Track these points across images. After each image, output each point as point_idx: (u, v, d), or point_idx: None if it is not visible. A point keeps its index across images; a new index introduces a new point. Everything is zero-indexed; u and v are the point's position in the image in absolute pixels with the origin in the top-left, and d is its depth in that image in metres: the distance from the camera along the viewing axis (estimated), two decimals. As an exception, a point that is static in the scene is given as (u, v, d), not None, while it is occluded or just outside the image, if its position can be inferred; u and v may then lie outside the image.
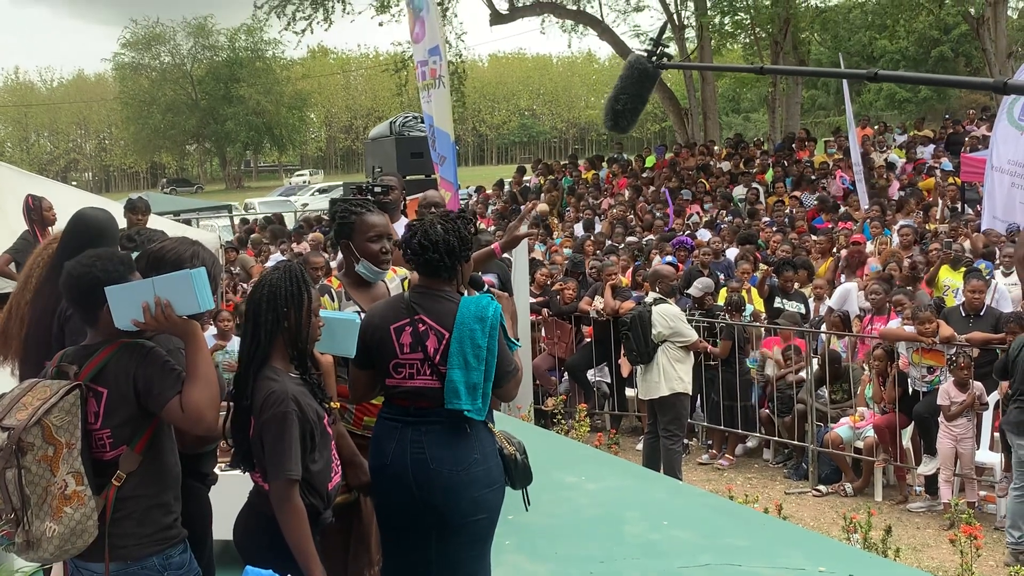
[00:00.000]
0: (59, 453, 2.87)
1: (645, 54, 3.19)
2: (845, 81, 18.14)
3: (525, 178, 24.02)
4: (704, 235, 14.57)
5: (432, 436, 3.74)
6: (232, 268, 12.75)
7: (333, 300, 4.16)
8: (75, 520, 2.89)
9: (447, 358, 3.70)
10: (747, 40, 30.68)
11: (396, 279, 4.40)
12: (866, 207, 14.80)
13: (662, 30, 3.31)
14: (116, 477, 2.99)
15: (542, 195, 21.67)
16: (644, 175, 21.47)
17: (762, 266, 11.96)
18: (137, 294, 3.01)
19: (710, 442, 10.50)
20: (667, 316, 8.74)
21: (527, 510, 4.19)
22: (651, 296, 9.02)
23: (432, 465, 3.71)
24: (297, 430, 3.13)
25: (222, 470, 3.76)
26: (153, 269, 3.24)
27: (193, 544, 3.26)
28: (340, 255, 4.37)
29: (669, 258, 12.76)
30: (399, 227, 6.50)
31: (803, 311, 10.77)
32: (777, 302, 10.87)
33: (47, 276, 3.99)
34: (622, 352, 10.23)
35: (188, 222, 19.50)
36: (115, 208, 9.79)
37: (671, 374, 8.72)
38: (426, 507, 3.74)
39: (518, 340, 4.09)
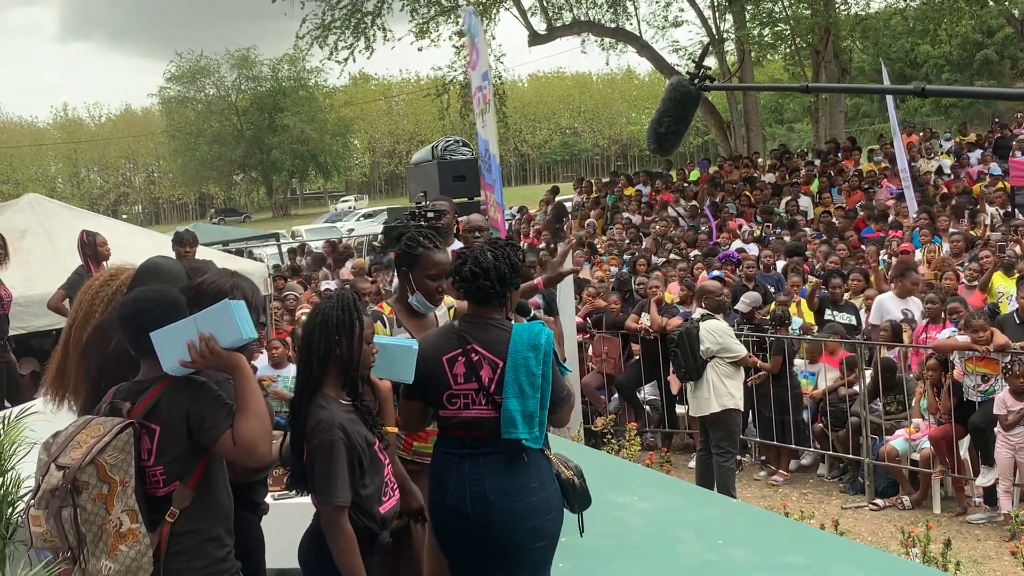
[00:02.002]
0: (114, 491, 2.91)
1: (687, 76, 3.19)
2: (886, 79, 17.91)
3: (563, 196, 23.98)
4: (752, 249, 14.46)
5: (489, 467, 3.75)
6: (282, 296, 12.86)
7: (385, 327, 4.19)
8: (130, 558, 2.92)
9: (502, 387, 3.71)
10: (788, 51, 30.51)
11: (443, 308, 4.42)
12: (914, 215, 14.63)
13: (704, 52, 3.31)
14: (170, 513, 3.03)
15: (579, 213, 21.67)
16: (687, 189, 21.39)
17: (811, 278, 11.85)
18: (181, 334, 3.04)
19: (763, 458, 10.40)
20: (715, 332, 8.69)
21: (581, 535, 4.18)
22: (698, 312, 8.97)
23: (491, 497, 3.72)
24: (344, 457, 3.19)
25: (274, 499, 3.80)
26: (195, 304, 3.28)
27: (248, 575, 3.30)
28: (397, 280, 4.40)
29: (716, 273, 12.69)
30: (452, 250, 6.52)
31: (853, 322, 10.63)
32: (827, 314, 10.74)
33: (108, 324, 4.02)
34: (671, 369, 10.19)
35: (240, 252, 19.71)
36: (166, 241, 9.97)
37: (721, 390, 8.66)
38: (486, 538, 3.75)
39: (567, 362, 4.11)
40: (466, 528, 3.75)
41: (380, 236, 16.12)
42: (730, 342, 8.75)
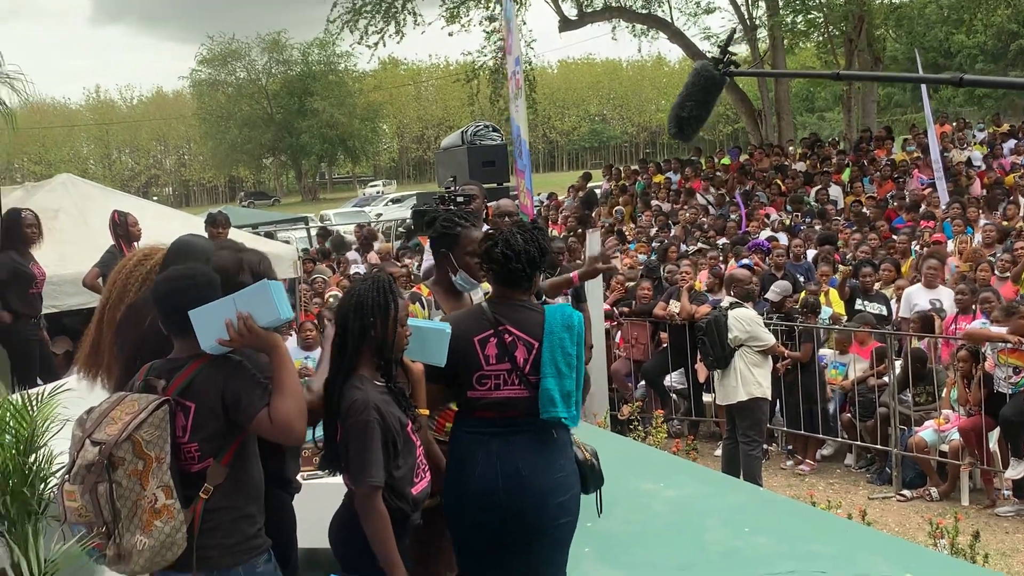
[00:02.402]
0: (149, 467, 2.94)
1: (712, 61, 3.17)
2: (920, 69, 17.71)
3: (594, 183, 23.96)
4: (782, 238, 14.37)
5: (520, 446, 3.78)
6: (311, 279, 12.91)
7: (424, 308, 4.21)
8: (165, 533, 2.95)
9: (538, 368, 3.75)
10: (820, 39, 30.23)
11: (480, 291, 4.43)
12: (945, 205, 14.50)
13: (730, 37, 3.29)
14: (204, 490, 3.06)
15: (608, 200, 21.63)
16: (717, 177, 21.29)
17: (841, 267, 11.78)
18: (219, 313, 3.06)
19: (790, 447, 10.36)
20: (743, 320, 8.65)
21: (599, 515, 4.21)
22: (727, 300, 8.94)
23: (524, 473, 3.75)
24: (379, 438, 3.20)
25: (304, 479, 3.82)
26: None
27: (279, 553, 3.32)
28: (425, 262, 4.42)
29: (745, 261, 12.63)
30: (480, 237, 6.53)
31: (884, 312, 10.55)
32: (858, 303, 10.67)
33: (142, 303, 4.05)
34: (698, 357, 10.17)
35: (270, 235, 19.78)
36: (197, 223, 10.02)
37: (749, 379, 8.63)
38: (513, 517, 3.75)
39: (593, 349, 4.15)
40: (494, 507, 3.75)
41: (409, 220, 16.16)
42: (759, 330, 8.72)
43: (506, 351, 3.77)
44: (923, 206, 15.19)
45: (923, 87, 17.44)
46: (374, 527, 3.20)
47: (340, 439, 3.27)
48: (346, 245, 18.05)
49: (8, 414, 4.51)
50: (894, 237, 13.34)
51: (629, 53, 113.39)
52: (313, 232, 24.54)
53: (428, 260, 6.73)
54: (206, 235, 9.03)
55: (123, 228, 8.31)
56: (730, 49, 3.19)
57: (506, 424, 3.79)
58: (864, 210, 15.80)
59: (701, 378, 10.56)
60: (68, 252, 9.05)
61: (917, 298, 10.23)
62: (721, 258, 13.30)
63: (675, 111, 3.19)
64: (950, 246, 12.43)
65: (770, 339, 8.84)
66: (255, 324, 3.06)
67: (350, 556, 3.34)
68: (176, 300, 3.12)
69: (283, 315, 3.11)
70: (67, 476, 2.98)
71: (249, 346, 3.10)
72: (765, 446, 9.38)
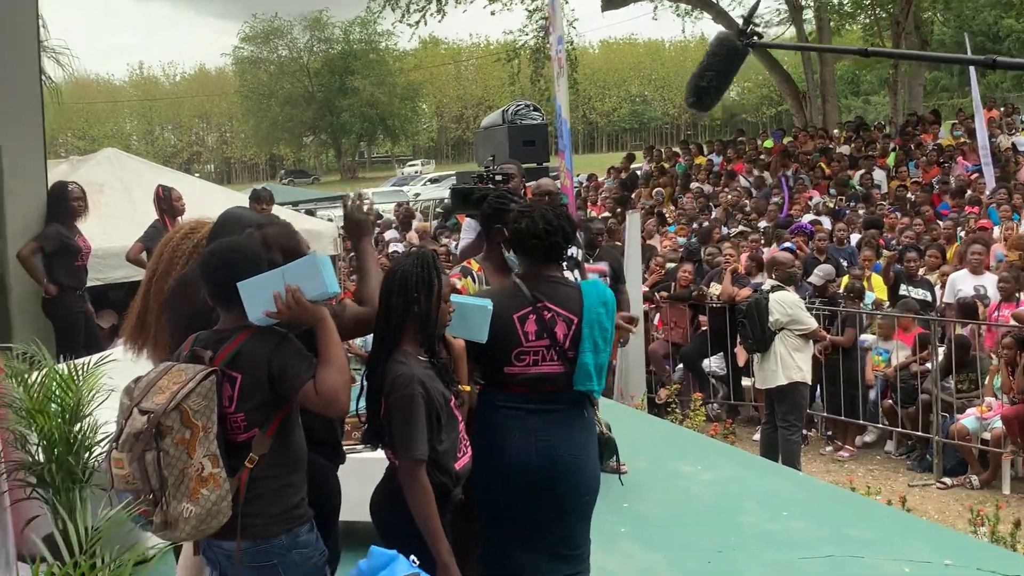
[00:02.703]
0: (196, 436, 2.96)
1: (735, 31, 3.12)
2: (969, 53, 17.44)
3: (636, 165, 23.87)
4: (825, 221, 14.24)
5: (557, 420, 3.81)
6: (349, 256, 12.98)
7: (475, 283, 4.23)
8: (211, 502, 2.98)
9: (578, 343, 3.77)
10: (867, 20, 29.87)
11: None
12: (990, 191, 14.31)
13: (755, 6, 3.23)
14: (249, 459, 3.08)
15: (650, 181, 21.53)
16: (761, 159, 21.13)
17: (886, 253, 11.66)
18: (267, 285, 3.08)
19: (830, 432, 10.30)
20: (785, 303, 8.58)
21: (622, 484, 4.23)
22: (768, 283, 8.87)
23: (559, 450, 3.77)
24: (423, 412, 3.21)
25: (347, 453, 3.84)
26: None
27: (322, 523, 3.35)
28: (462, 241, 4.43)
29: (788, 244, 12.53)
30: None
31: (928, 298, 10.42)
32: (902, 289, 10.54)
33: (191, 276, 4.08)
34: (738, 340, 10.11)
35: (311, 212, 19.89)
36: (239, 199, 10.09)
37: (789, 363, 8.56)
38: (545, 492, 3.77)
39: None
40: (527, 482, 3.77)
41: (447, 199, 16.16)
42: (800, 314, 8.64)
43: (545, 327, 3.78)
44: (968, 192, 14.99)
45: (971, 71, 17.11)
46: (418, 501, 3.22)
47: (384, 414, 3.29)
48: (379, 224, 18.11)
49: (54, 383, 4.59)
50: (939, 223, 13.18)
51: (672, 33, 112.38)
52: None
53: (465, 238, 6.74)
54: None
55: (167, 203, 8.37)
56: (753, 18, 3.14)
57: (542, 400, 3.80)
58: (909, 195, 15.62)
59: (741, 361, 10.49)
60: (112, 226, 9.14)
61: (961, 284, 10.10)
62: (763, 241, 13.21)
63: (694, 80, 3.14)
64: (996, 232, 12.26)
65: (812, 323, 8.76)
66: (303, 297, 3.07)
67: (392, 529, 3.35)
68: (222, 272, 3.15)
69: (330, 289, 3.13)
70: (115, 444, 3.01)
71: (296, 319, 3.11)
72: (805, 431, 9.32)
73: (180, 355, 3.22)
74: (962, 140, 19.15)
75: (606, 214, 16.60)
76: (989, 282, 9.98)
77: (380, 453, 3.45)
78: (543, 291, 3.84)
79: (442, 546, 3.22)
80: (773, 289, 8.70)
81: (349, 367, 3.18)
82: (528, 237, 3.86)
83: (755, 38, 3.10)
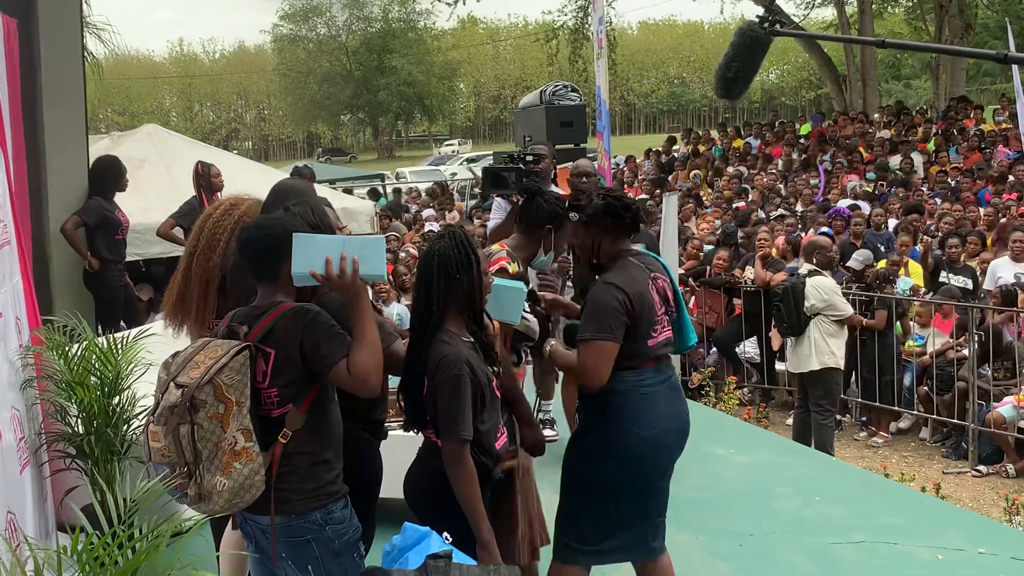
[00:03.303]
0: (229, 411, 3.00)
1: (758, 20, 3.12)
2: (1011, 45, 17.14)
3: (674, 147, 23.77)
4: (864, 206, 14.11)
5: (676, 386, 4.04)
6: (386, 235, 13.04)
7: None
8: (244, 475, 3.02)
9: (678, 302, 4.07)
10: (910, 3, 29.46)
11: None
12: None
13: None
14: (283, 435, 3.11)
15: (687, 164, 21.41)
16: (800, 143, 20.95)
17: (924, 238, 11.54)
18: (324, 248, 3.06)
19: (864, 419, 10.23)
20: (822, 289, 8.53)
21: None
22: (806, 267, 8.81)
23: (686, 416, 4.03)
24: (470, 392, 3.22)
25: (391, 430, 3.86)
26: None
27: (363, 498, 3.39)
28: (491, 220, 4.43)
29: (825, 229, 12.43)
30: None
31: (969, 286, 10.30)
32: (942, 276, 10.42)
33: None
34: (773, 324, 10.07)
35: (349, 191, 19.99)
36: (277, 176, 10.14)
37: (823, 348, 8.52)
38: (674, 458, 4.01)
39: None
40: (672, 454, 3.98)
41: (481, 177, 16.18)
42: (837, 300, 8.59)
43: (659, 294, 3.95)
44: (1011, 178, 14.79)
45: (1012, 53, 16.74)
46: (462, 481, 3.23)
47: (427, 393, 3.28)
48: (401, 207, 18.17)
49: (94, 356, 4.66)
50: (979, 209, 13.02)
51: (711, 15, 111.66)
52: (389, 189, 24.77)
53: (495, 218, 6.76)
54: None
55: (206, 179, 8.42)
56: (775, 6, 3.13)
57: (665, 367, 3.99)
58: (950, 180, 15.44)
59: (776, 346, 10.44)
60: (152, 201, 9.22)
61: (1002, 271, 10.00)
62: (800, 225, 13.12)
63: (721, 72, 3.18)
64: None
65: (848, 309, 8.71)
66: (355, 272, 3.06)
67: (426, 507, 3.37)
68: (259, 248, 3.18)
69: (382, 273, 3.18)
70: (152, 417, 3.05)
71: (338, 288, 3.09)
72: (839, 417, 9.27)
73: (218, 331, 3.25)
74: (1004, 126, 18.87)
75: (643, 196, 16.53)
76: (1031, 271, 9.86)
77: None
78: (646, 261, 4.01)
79: (484, 525, 3.25)
80: (810, 274, 8.65)
81: (381, 348, 3.18)
82: (622, 210, 3.93)
83: (778, 26, 3.11)
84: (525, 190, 4.56)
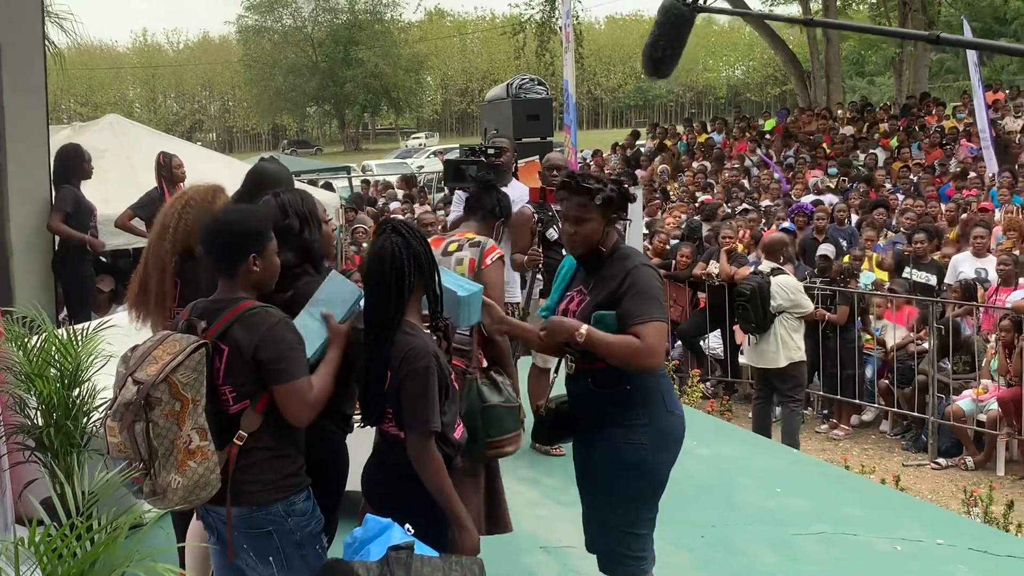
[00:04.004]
0: (185, 409, 2.98)
1: None
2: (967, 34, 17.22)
3: (639, 142, 23.84)
4: (827, 200, 14.22)
5: None
6: (352, 228, 12.98)
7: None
8: (199, 474, 3.00)
9: None
10: (874, 0, 29.68)
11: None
12: (992, 174, 14.27)
13: None
14: (237, 436, 3.10)
15: (655, 159, 21.49)
16: (764, 139, 21.09)
17: (889, 233, 11.65)
18: (307, 326, 3.27)
19: (826, 411, 10.33)
20: (787, 288, 8.61)
21: None
22: (767, 266, 8.87)
23: None
24: (436, 384, 3.18)
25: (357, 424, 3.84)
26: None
27: (330, 491, 3.38)
28: (452, 213, 4.44)
29: (786, 224, 12.52)
30: (509, 190, 6.54)
31: (932, 281, 10.38)
32: (906, 271, 10.50)
33: None
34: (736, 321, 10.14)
35: (315, 183, 19.87)
36: (241, 168, 10.07)
37: (789, 344, 8.62)
38: None
39: None
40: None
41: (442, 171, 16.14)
42: (800, 298, 8.70)
43: None
44: (972, 173, 14.98)
45: (971, 54, 16.88)
46: (431, 471, 3.18)
47: (391, 386, 3.22)
48: (364, 200, 18.10)
49: (54, 348, 4.61)
50: (940, 204, 13.17)
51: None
52: (356, 182, 24.66)
53: (455, 211, 6.77)
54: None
55: (167, 170, 8.35)
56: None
57: None
58: (912, 176, 15.60)
59: (739, 340, 10.50)
60: (113, 192, 9.12)
61: (963, 266, 10.12)
62: (764, 220, 13.22)
63: (648, 51, 3.14)
64: (997, 215, 12.25)
65: (810, 305, 8.87)
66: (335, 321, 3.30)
67: (385, 501, 3.31)
68: (223, 240, 3.16)
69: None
70: (109, 412, 3.03)
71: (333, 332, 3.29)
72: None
73: (178, 324, 3.23)
74: (966, 122, 19.09)
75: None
76: (991, 265, 9.98)
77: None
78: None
79: (459, 508, 3.20)
80: (774, 272, 8.72)
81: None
82: (629, 200, 3.84)
83: (700, 1, 3.10)
84: (480, 182, 4.56)
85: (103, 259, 9.47)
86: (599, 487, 3.82)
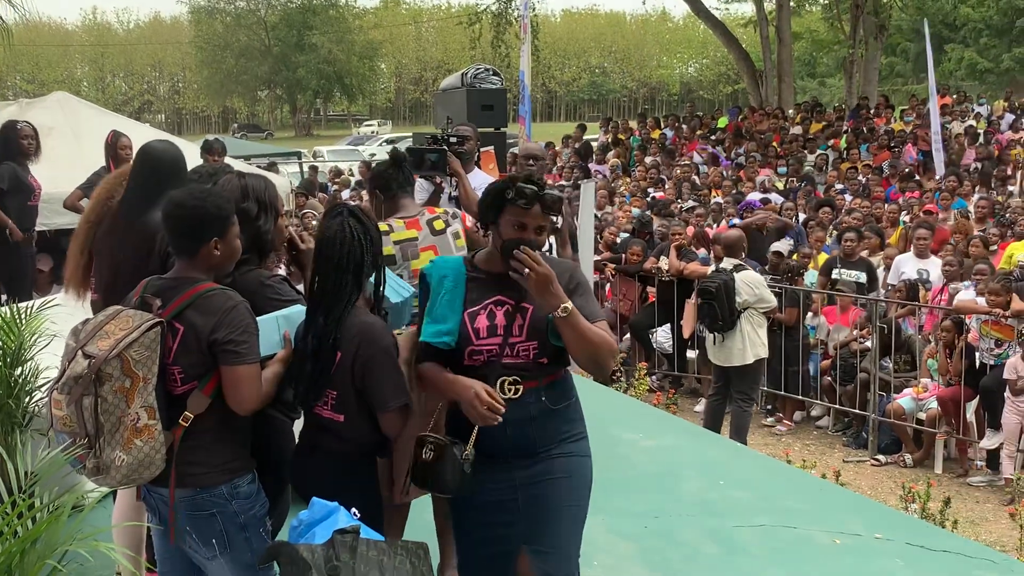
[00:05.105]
0: (135, 386, 2.95)
1: None
2: (928, 47, 17.54)
3: (588, 136, 23.91)
4: (775, 199, 14.38)
5: None
6: (301, 213, 12.89)
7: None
8: (144, 453, 2.97)
9: None
10: (826, 2, 29.99)
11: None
12: (939, 176, 14.52)
13: None
14: (184, 418, 3.09)
15: (608, 154, 21.58)
16: (714, 136, 21.26)
17: (835, 232, 11.81)
18: (271, 326, 3.28)
19: (770, 406, 10.45)
20: (752, 283, 8.64)
21: None
22: (729, 263, 8.86)
23: None
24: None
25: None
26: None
27: (275, 477, 3.37)
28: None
29: (735, 220, 12.64)
30: (472, 178, 6.52)
31: (863, 279, 10.53)
32: (835, 272, 10.55)
33: (126, 212, 4.08)
34: (685, 314, 10.21)
35: (270, 167, 19.69)
36: (190, 150, 9.95)
37: (755, 340, 8.64)
38: None
39: None
40: None
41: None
42: (765, 293, 8.76)
43: None
44: (918, 176, 15.23)
45: (928, 55, 17.19)
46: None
47: (339, 368, 3.20)
48: (316, 186, 17.97)
49: (-4, 326, 4.53)
50: (886, 207, 13.38)
51: (633, 6, 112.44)
52: (306, 168, 24.49)
53: (418, 198, 6.74)
54: (201, 161, 8.99)
55: (112, 149, 8.24)
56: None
57: None
58: (860, 177, 15.82)
59: (686, 334, 10.59)
60: (60, 171, 8.98)
61: (905, 267, 10.28)
62: (710, 217, 13.35)
63: None
64: (949, 218, 12.45)
65: (774, 301, 8.91)
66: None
67: (322, 491, 3.23)
68: (198, 217, 3.12)
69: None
70: (56, 385, 2.99)
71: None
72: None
73: (130, 300, 3.19)
74: (915, 125, 19.40)
75: (563, 183, 16.62)
76: (932, 266, 10.15)
77: None
78: None
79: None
80: (736, 268, 8.74)
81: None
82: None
83: None
84: (389, 164, 4.51)
85: (48, 236, 9.33)
86: (550, 518, 3.37)
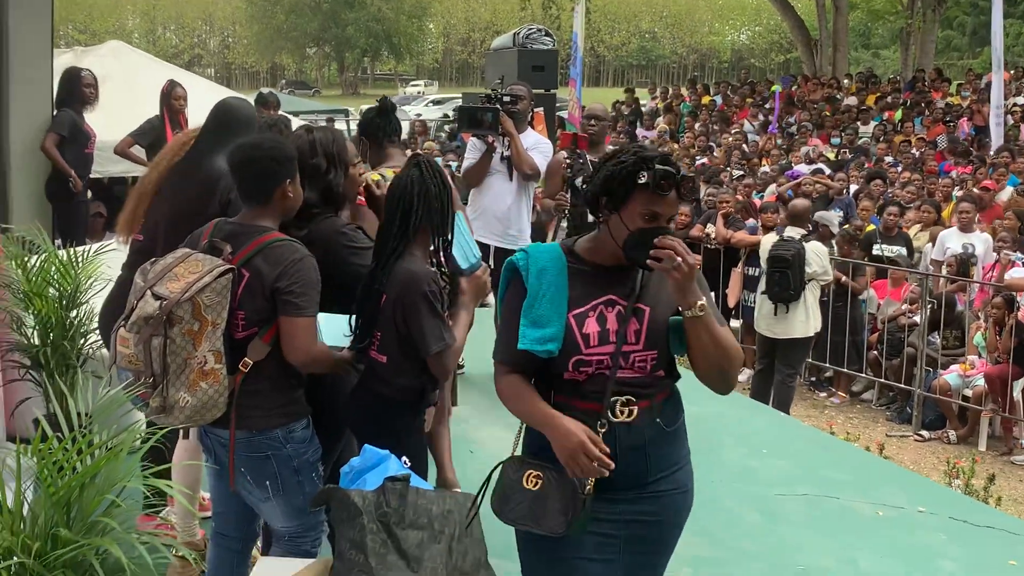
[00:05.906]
0: (204, 330, 2.99)
1: None
2: (997, 16, 16.80)
3: (644, 102, 23.72)
4: (825, 170, 14.21)
5: None
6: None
7: None
8: (208, 395, 3.03)
9: None
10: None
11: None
12: (992, 152, 14.28)
13: None
14: (243, 364, 3.13)
15: (658, 119, 21.42)
16: (766, 105, 21.02)
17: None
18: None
19: (813, 379, 10.38)
20: (820, 255, 8.58)
21: None
22: (795, 232, 8.72)
23: None
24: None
25: None
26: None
27: (332, 424, 3.42)
28: (465, 161, 4.34)
29: (781, 188, 12.52)
30: (524, 138, 6.49)
31: (904, 253, 10.40)
32: (876, 247, 10.43)
33: (194, 156, 4.11)
34: (732, 282, 10.15)
35: (328, 122, 19.74)
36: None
37: (816, 313, 8.62)
38: None
39: None
40: None
41: (453, 120, 15.95)
42: (828, 265, 8.72)
43: None
44: (974, 151, 14.98)
45: (996, 23, 16.47)
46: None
47: (383, 309, 3.25)
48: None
49: (54, 268, 4.61)
50: (940, 181, 13.19)
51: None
52: (353, 125, 24.52)
53: (470, 158, 6.72)
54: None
55: (167, 99, 8.32)
56: None
57: None
58: (914, 151, 15.59)
59: (731, 303, 10.52)
60: (113, 120, 9.05)
61: (950, 241, 10.15)
62: (760, 185, 13.23)
63: None
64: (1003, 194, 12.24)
65: (831, 273, 8.88)
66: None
67: (368, 429, 3.30)
68: (254, 168, 3.16)
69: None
70: (124, 323, 3.03)
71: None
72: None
73: (197, 241, 3.23)
74: (971, 99, 19.04)
75: (612, 148, 16.55)
76: (978, 240, 10.00)
77: None
78: None
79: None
80: (804, 239, 8.64)
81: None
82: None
83: None
84: (380, 105, 4.50)
85: (103, 183, 9.43)
86: (648, 563, 2.98)
